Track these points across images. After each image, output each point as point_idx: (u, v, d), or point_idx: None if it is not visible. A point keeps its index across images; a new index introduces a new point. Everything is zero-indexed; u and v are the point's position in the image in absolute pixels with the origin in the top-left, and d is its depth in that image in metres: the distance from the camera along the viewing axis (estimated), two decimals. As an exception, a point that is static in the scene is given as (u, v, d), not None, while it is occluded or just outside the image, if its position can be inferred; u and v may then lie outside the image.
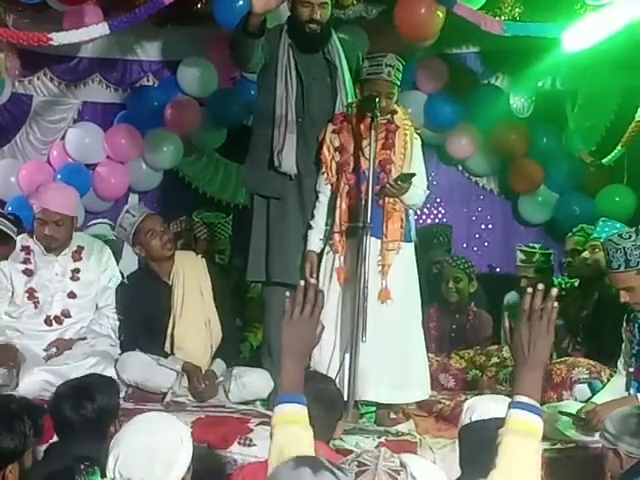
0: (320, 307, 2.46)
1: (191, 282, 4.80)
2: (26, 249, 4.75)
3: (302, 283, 2.50)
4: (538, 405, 2.22)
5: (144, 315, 4.73)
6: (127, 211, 4.92)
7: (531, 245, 5.68)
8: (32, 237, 4.79)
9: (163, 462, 2.38)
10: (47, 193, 4.83)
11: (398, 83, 4.36)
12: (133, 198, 6.81)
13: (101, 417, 3.08)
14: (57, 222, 4.69)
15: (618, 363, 4.15)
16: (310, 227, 4.53)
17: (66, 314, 4.72)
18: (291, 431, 2.33)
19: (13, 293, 4.70)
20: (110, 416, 3.12)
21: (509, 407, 2.23)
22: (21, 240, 4.79)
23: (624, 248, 3.88)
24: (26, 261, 4.73)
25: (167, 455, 2.40)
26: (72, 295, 4.74)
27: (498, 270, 6.82)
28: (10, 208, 6.41)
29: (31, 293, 4.70)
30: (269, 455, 2.35)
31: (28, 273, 4.72)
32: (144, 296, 4.75)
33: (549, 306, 2.24)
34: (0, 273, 4.71)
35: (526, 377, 2.24)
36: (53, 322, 4.70)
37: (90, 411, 3.07)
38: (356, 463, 2.08)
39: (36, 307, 4.69)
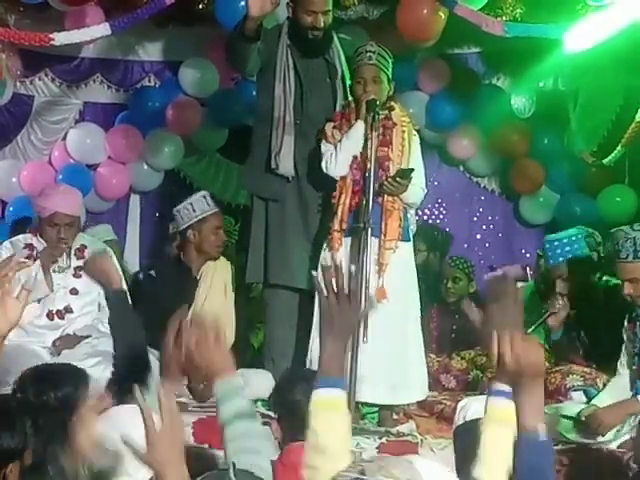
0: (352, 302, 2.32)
1: (217, 282, 4.86)
2: (29, 247, 4.79)
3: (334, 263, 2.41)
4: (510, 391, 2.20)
5: (164, 306, 4.72)
6: (204, 196, 4.99)
7: None
8: (35, 236, 4.82)
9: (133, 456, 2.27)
10: (56, 196, 4.86)
11: (384, 69, 4.37)
12: (134, 198, 6.81)
13: (64, 407, 2.95)
14: (68, 224, 4.76)
15: (618, 364, 4.14)
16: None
17: (68, 310, 4.75)
18: (329, 417, 2.27)
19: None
20: (75, 407, 2.97)
21: (487, 394, 2.22)
22: (24, 239, 4.83)
23: (634, 238, 3.87)
24: (29, 257, 4.76)
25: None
26: (74, 292, 4.77)
27: (499, 271, 6.81)
28: (12, 208, 6.43)
29: None
30: (306, 440, 2.32)
31: None
32: (169, 287, 4.78)
33: (511, 288, 2.23)
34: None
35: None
36: (55, 316, 4.73)
37: (53, 399, 2.96)
38: (358, 470, 2.04)
39: (38, 302, 4.72)
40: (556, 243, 4.58)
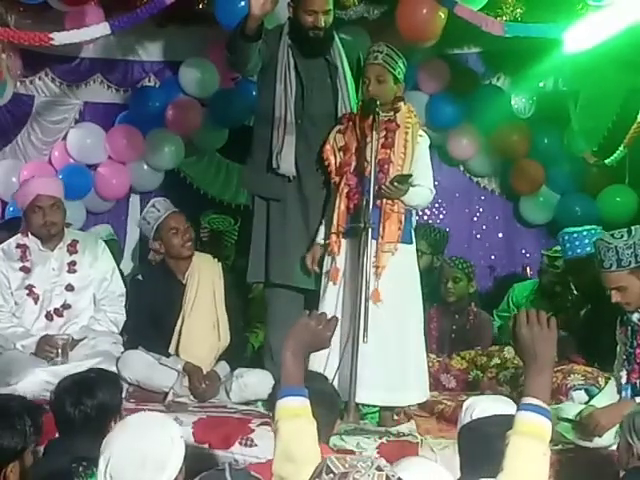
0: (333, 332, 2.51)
1: (205, 284, 4.82)
2: (22, 247, 4.80)
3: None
4: (547, 407, 2.22)
5: (154, 311, 4.75)
6: (153, 205, 4.95)
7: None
8: (27, 236, 4.82)
9: (154, 464, 2.34)
10: (35, 181, 4.95)
11: (391, 69, 4.36)
12: (134, 199, 6.81)
13: (101, 414, 3.04)
14: (53, 206, 4.77)
15: (614, 366, 4.14)
16: (321, 223, 4.54)
17: (66, 306, 4.75)
18: (295, 425, 2.32)
19: (12, 293, 4.73)
20: (111, 413, 3.09)
21: (518, 409, 2.23)
22: (15, 240, 4.84)
23: (616, 247, 3.84)
24: (22, 259, 4.77)
25: (158, 456, 2.35)
26: (70, 288, 4.77)
27: (499, 271, 6.81)
28: (12, 209, 6.42)
29: (30, 289, 4.73)
30: (274, 450, 2.34)
31: (25, 270, 4.76)
32: (157, 292, 4.78)
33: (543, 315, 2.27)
34: (1, 275, 4.74)
35: (534, 379, 2.25)
36: (54, 316, 4.73)
37: (90, 407, 3.04)
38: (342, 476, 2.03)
39: (36, 303, 4.73)
40: (575, 235, 4.59)
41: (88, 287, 4.83)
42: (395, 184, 4.24)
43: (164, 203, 4.95)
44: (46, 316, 4.73)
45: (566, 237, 4.66)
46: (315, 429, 2.36)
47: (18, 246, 4.80)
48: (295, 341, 2.43)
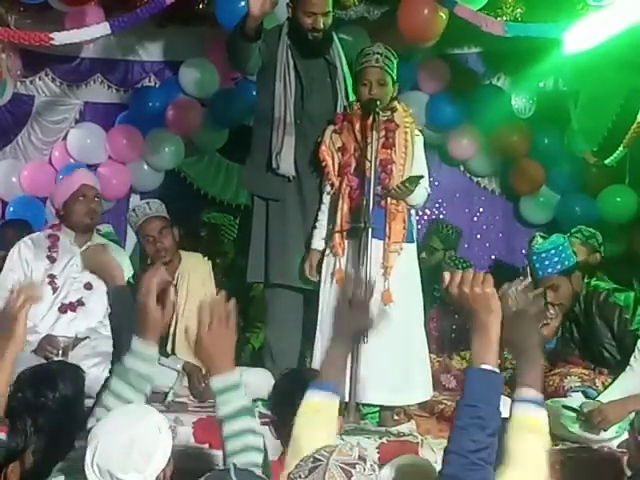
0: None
1: (195, 283, 4.83)
2: (53, 237, 4.86)
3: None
4: (541, 397, 2.22)
5: None
6: (133, 209, 5.01)
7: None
8: (60, 230, 4.89)
9: (142, 451, 2.31)
10: (79, 173, 5.11)
11: (390, 71, 4.35)
12: (134, 199, 6.81)
13: (62, 406, 2.97)
14: (95, 197, 4.90)
15: (632, 359, 4.14)
16: (315, 227, 4.53)
17: (81, 302, 4.78)
18: (311, 420, 2.31)
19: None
20: (72, 406, 3.00)
21: (512, 400, 2.23)
22: (45, 233, 4.94)
23: None
24: (51, 248, 4.83)
25: (145, 444, 2.33)
26: (89, 286, 4.79)
27: (499, 271, 6.81)
28: (12, 209, 6.42)
29: (52, 279, 4.78)
30: (289, 446, 2.33)
31: (51, 259, 4.82)
32: None
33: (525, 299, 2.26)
34: (24, 264, 4.78)
35: (525, 369, 2.26)
36: (67, 309, 4.76)
37: (51, 400, 2.97)
38: (311, 459, 2.06)
39: (54, 293, 4.77)
40: (544, 255, 4.44)
41: (104, 288, 4.84)
42: (406, 185, 4.24)
43: (143, 208, 4.96)
44: (59, 308, 4.77)
45: (534, 257, 4.51)
46: (333, 426, 2.33)
47: (49, 236, 4.89)
48: (347, 324, 2.37)
